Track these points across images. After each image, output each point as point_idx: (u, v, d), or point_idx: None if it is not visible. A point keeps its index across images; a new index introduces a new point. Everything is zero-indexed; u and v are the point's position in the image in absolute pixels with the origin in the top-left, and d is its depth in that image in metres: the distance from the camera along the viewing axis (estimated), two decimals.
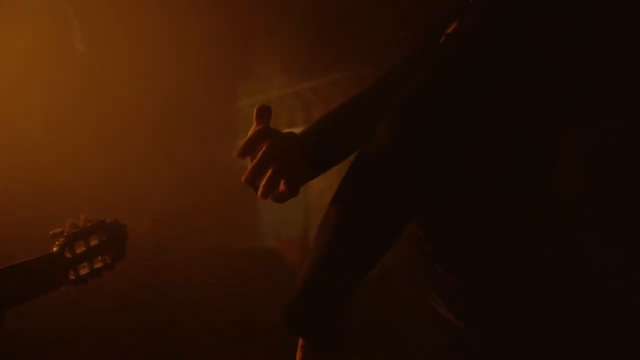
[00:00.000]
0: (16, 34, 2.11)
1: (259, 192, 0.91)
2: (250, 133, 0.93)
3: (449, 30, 1.01)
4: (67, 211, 1.18)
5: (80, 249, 1.14)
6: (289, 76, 2.82)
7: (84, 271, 1.15)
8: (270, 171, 0.89)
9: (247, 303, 2.28)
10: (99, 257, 1.17)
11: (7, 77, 2.05)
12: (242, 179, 0.91)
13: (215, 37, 2.58)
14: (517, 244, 0.90)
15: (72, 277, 1.13)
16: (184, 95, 2.49)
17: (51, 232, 1.13)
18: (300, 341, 0.85)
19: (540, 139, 0.92)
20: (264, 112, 0.93)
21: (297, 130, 1.04)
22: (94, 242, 1.16)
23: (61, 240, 1.12)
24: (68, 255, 1.12)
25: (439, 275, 0.94)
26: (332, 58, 2.44)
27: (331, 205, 0.84)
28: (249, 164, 0.91)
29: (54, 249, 1.12)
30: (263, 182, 0.90)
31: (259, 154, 0.90)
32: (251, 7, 2.60)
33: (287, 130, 1.02)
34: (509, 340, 0.90)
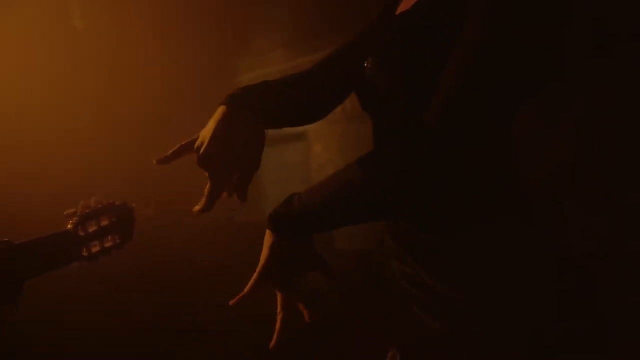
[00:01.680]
0: (16, 11, 2.14)
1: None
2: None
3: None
4: (72, 192, 1.26)
5: (92, 228, 1.23)
6: (287, 50, 2.86)
7: (95, 249, 1.24)
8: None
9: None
10: (110, 237, 1.26)
11: (7, 56, 2.08)
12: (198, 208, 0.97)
13: (214, 13, 2.62)
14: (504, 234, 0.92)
15: (84, 253, 1.22)
16: (184, 72, 2.52)
17: (65, 212, 1.22)
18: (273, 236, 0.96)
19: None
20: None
21: None
22: (104, 222, 1.25)
23: (75, 219, 1.21)
24: (81, 233, 1.21)
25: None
26: (330, 32, 2.47)
27: (350, 170, 0.89)
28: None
29: (68, 227, 1.20)
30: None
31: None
32: None
33: None
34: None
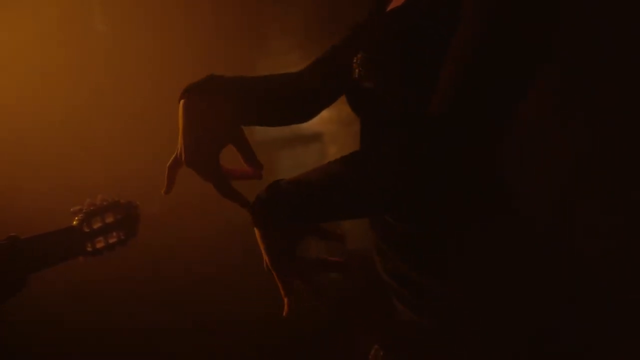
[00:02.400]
0: (39, 15, 2.21)
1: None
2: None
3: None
4: (83, 190, 1.31)
5: (97, 225, 1.28)
6: (304, 52, 2.88)
7: (100, 244, 1.28)
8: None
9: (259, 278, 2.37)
10: (114, 233, 1.30)
11: (30, 58, 2.16)
12: None
13: (231, 15, 2.66)
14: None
15: (89, 248, 1.26)
16: (201, 73, 2.57)
17: (72, 209, 1.26)
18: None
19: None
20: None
21: None
22: (109, 219, 1.30)
23: (80, 216, 1.25)
24: (86, 229, 1.26)
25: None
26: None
27: (346, 164, 0.86)
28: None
29: (74, 223, 1.25)
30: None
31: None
32: None
33: None
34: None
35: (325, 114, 1.18)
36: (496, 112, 0.84)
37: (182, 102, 0.93)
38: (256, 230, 0.89)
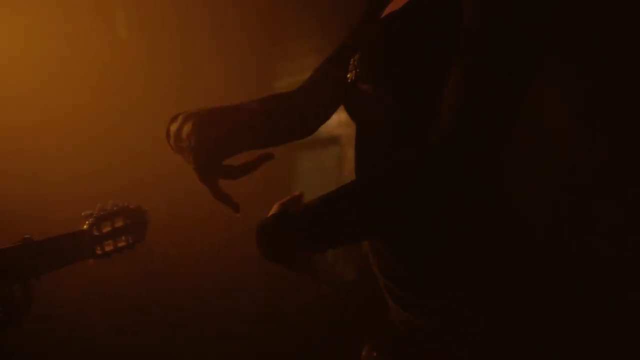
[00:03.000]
0: (64, 19, 2.29)
1: None
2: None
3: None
4: (95, 194, 1.37)
5: (106, 229, 1.34)
6: (322, 55, 2.91)
7: (109, 248, 1.34)
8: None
9: (272, 287, 2.38)
10: (123, 237, 1.36)
11: (54, 61, 2.24)
12: None
13: (251, 20, 2.70)
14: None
15: (98, 251, 1.33)
16: (220, 78, 2.62)
17: (83, 213, 1.33)
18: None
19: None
20: None
21: None
22: (118, 223, 1.36)
23: (90, 220, 1.32)
24: (96, 232, 1.32)
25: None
26: None
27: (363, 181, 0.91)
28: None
29: (84, 226, 1.31)
30: None
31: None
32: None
33: None
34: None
35: (342, 117, 1.21)
36: (512, 119, 0.85)
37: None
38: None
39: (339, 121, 1.30)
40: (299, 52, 3.01)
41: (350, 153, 3.01)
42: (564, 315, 0.95)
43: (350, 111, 1.07)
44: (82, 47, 2.33)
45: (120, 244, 1.36)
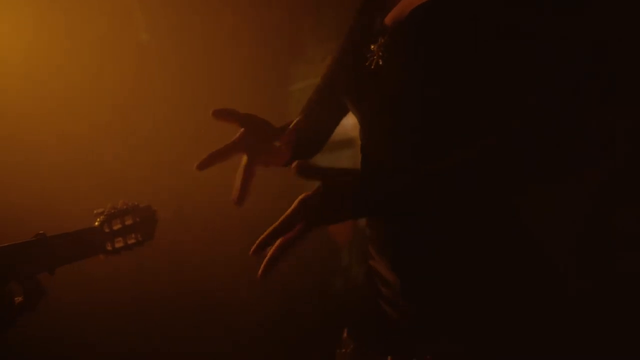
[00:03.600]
0: (87, 25, 2.38)
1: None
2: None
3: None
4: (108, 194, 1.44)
5: (116, 226, 1.40)
6: None
7: (119, 244, 1.41)
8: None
9: (293, 288, 2.46)
10: (132, 235, 1.43)
11: (79, 64, 2.33)
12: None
13: (268, 24, 2.76)
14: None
15: (109, 247, 1.39)
16: (242, 81, 2.68)
17: (95, 211, 1.40)
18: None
19: None
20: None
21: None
22: (128, 221, 1.42)
23: (101, 217, 1.38)
24: (106, 229, 1.39)
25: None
26: None
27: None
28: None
29: (96, 224, 1.38)
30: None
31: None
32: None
33: None
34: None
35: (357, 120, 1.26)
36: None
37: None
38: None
39: (354, 123, 1.34)
40: (317, 55, 3.05)
41: None
42: (558, 318, 0.98)
43: (364, 99, 1.09)
44: (105, 51, 2.42)
45: (130, 241, 1.42)
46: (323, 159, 3.22)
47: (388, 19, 1.07)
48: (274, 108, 2.77)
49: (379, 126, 1.08)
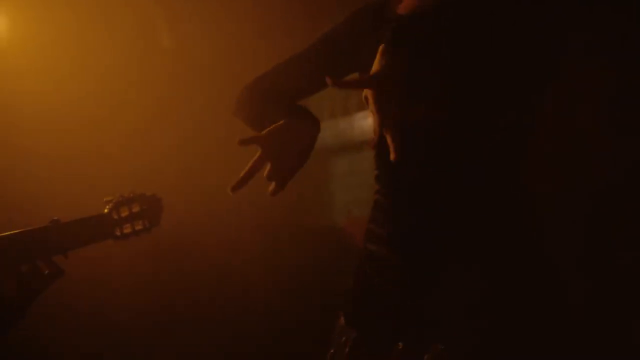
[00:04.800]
0: (109, 34, 2.54)
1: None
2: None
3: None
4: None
5: (124, 213, 1.52)
6: None
7: (127, 230, 1.53)
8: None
9: (313, 286, 2.50)
10: (140, 222, 1.55)
11: (104, 70, 2.48)
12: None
13: (295, 29, 2.83)
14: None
15: (117, 233, 1.51)
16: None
17: (104, 199, 1.53)
18: None
19: None
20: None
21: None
22: (135, 209, 1.54)
23: (110, 205, 1.51)
24: (115, 216, 1.51)
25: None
26: None
27: None
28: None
29: (105, 210, 1.51)
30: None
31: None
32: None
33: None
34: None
35: None
36: None
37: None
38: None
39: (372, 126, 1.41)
40: None
41: None
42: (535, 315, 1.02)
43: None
44: (127, 56, 2.56)
45: (138, 227, 1.54)
46: (343, 160, 3.30)
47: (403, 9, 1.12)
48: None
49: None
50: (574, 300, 1.07)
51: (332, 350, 1.19)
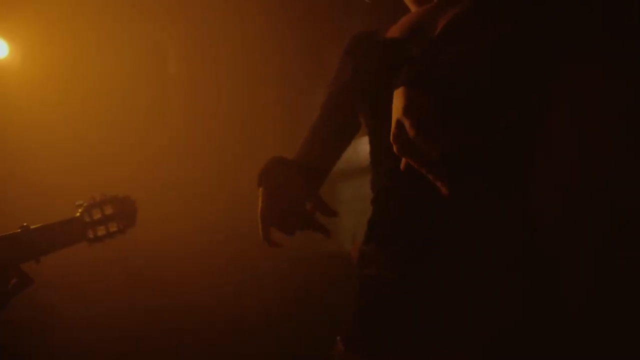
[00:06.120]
0: (119, 58, 2.61)
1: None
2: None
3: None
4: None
5: (97, 216, 1.51)
6: None
7: (101, 232, 1.51)
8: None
9: (320, 310, 2.43)
10: (114, 223, 1.53)
11: (112, 93, 2.54)
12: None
13: (290, 46, 2.82)
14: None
15: (90, 235, 1.50)
16: (274, 113, 2.76)
17: (76, 202, 1.51)
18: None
19: None
20: None
21: None
22: (108, 211, 1.53)
23: (82, 208, 1.50)
24: (87, 219, 1.50)
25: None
26: None
27: None
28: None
29: (77, 214, 1.50)
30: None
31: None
32: (322, 22, 2.81)
33: None
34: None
35: None
36: None
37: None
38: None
39: None
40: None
41: None
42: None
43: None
44: (136, 83, 2.62)
45: (112, 229, 1.52)
46: (348, 186, 3.22)
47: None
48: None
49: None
50: (574, 301, 1.04)
51: None
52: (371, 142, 1.18)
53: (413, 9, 1.17)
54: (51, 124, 2.35)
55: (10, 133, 2.31)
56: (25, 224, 1.44)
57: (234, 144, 2.67)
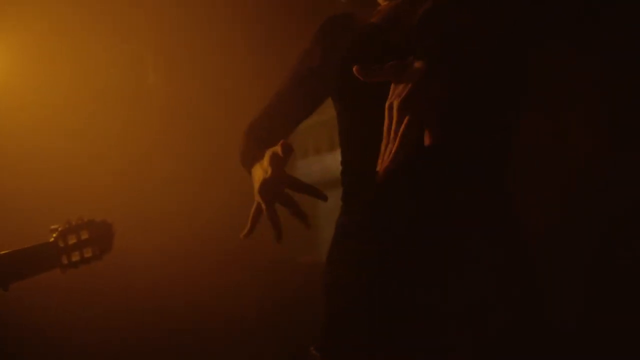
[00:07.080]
0: (98, 69, 2.56)
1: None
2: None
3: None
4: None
5: (72, 241, 1.45)
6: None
7: (75, 258, 1.45)
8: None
9: (302, 319, 2.42)
10: (89, 249, 1.47)
11: (90, 102, 2.47)
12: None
13: (285, 61, 2.80)
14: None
15: (64, 261, 1.44)
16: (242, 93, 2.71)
17: (51, 227, 1.45)
18: None
19: None
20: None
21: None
22: (84, 236, 1.47)
23: (56, 233, 1.44)
24: (61, 244, 1.43)
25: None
26: None
27: None
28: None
29: (51, 239, 1.44)
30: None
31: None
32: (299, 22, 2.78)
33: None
34: None
35: None
36: None
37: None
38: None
39: None
40: None
41: None
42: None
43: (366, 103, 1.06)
44: (114, 94, 2.56)
45: (87, 255, 1.46)
46: (330, 196, 3.20)
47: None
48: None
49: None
50: (574, 301, 0.99)
51: None
52: (340, 123, 1.19)
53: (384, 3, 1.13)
54: (26, 135, 2.28)
55: None
56: None
57: (232, 144, 2.61)
